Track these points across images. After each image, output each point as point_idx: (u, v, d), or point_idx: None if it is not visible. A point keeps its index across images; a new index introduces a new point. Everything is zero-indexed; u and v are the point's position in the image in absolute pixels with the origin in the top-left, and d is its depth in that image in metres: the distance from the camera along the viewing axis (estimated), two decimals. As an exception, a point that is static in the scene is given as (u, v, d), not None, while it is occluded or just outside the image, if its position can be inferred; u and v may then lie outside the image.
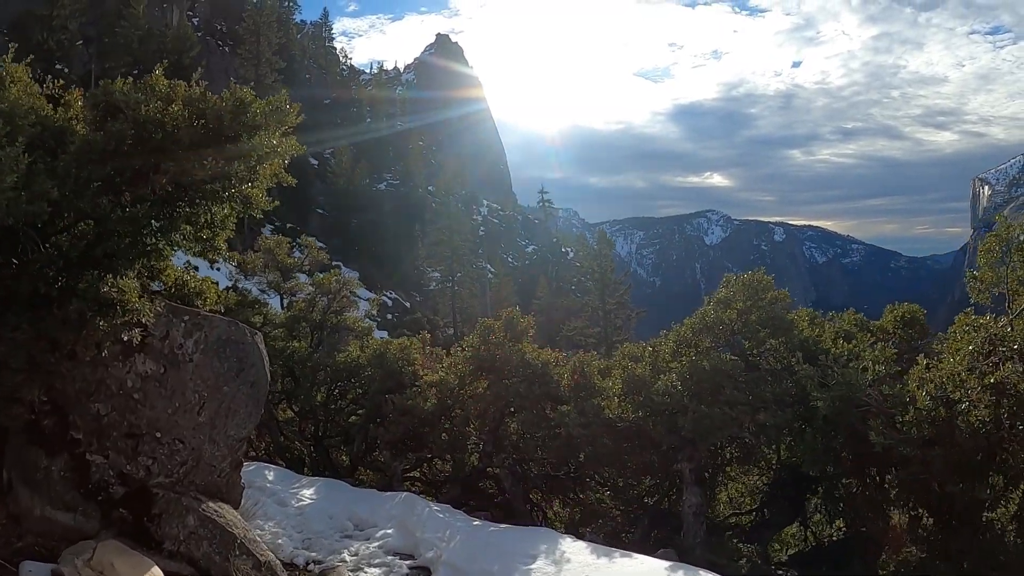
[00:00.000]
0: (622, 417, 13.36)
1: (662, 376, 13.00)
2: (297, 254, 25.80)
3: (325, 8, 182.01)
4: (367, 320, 21.59)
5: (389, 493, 14.49)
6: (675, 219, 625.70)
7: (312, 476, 17.32)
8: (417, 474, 18.80)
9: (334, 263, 56.08)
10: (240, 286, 23.35)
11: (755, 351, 12.95)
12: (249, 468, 17.38)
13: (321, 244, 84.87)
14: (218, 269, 34.69)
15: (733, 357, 12.95)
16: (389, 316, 79.38)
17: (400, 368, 17.64)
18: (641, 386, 13.15)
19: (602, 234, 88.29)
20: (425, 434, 16.77)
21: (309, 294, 21.72)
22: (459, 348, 17.08)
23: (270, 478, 16.75)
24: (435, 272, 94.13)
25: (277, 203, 9.31)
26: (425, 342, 19.63)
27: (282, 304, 25.77)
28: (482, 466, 16.27)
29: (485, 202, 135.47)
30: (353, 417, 19.14)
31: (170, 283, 9.84)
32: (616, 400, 13.73)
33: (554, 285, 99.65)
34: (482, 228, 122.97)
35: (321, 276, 21.30)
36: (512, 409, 15.61)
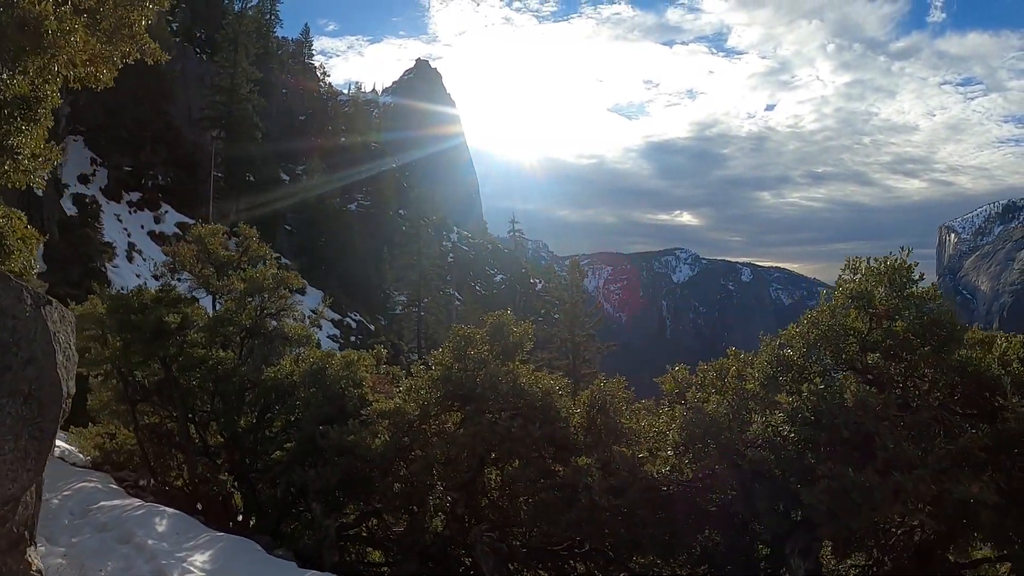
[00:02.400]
0: (675, 479, 8.65)
1: (754, 416, 8.35)
2: (236, 246, 21.32)
3: (306, 24, 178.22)
4: (312, 328, 16.79)
5: (311, 574, 9.71)
6: (644, 256, 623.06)
7: (218, 530, 12.60)
8: (361, 531, 13.96)
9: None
10: (165, 282, 18.66)
11: (908, 376, 8.28)
12: (137, 512, 12.86)
13: (286, 261, 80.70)
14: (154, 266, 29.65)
15: (870, 388, 7.92)
16: (352, 338, 74.51)
17: (343, 390, 13.04)
18: (717, 430, 8.36)
19: (574, 264, 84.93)
20: (372, 479, 12.08)
21: (239, 292, 16.92)
22: (423, 366, 12.34)
23: (160, 529, 12.22)
24: (402, 296, 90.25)
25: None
26: (380, 359, 14.97)
27: (214, 306, 21.06)
28: (450, 533, 11.44)
29: (456, 229, 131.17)
30: (278, 452, 14.33)
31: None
32: (669, 452, 8.98)
33: (521, 315, 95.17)
34: (451, 255, 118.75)
35: (254, 270, 16.59)
36: (496, 455, 10.93)
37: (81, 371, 29.72)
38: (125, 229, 67.96)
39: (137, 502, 13.67)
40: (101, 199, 71.04)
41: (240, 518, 16.86)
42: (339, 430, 11.93)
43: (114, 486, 15.49)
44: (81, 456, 20.51)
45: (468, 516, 11.04)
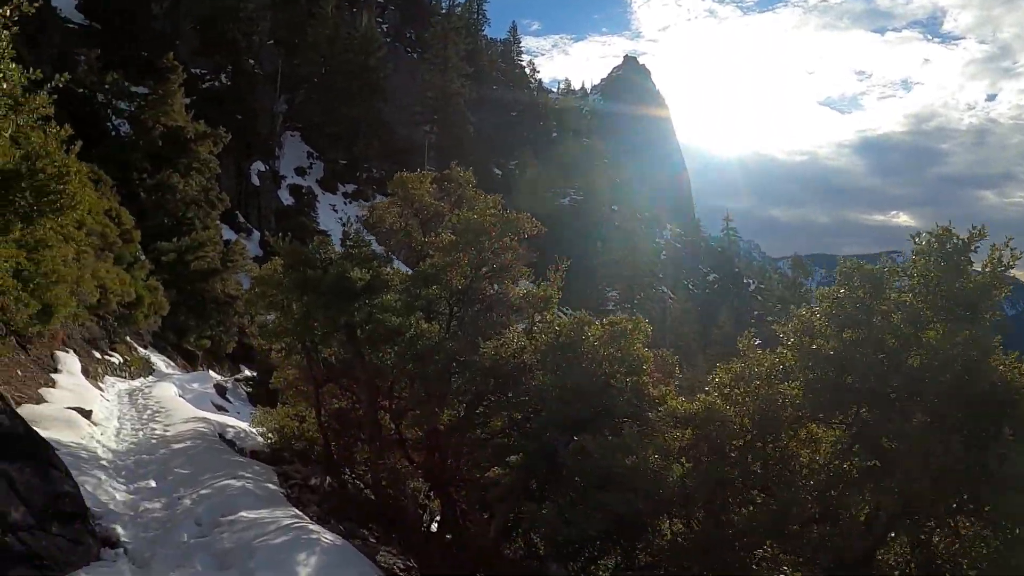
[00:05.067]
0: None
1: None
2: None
3: (513, 22, 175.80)
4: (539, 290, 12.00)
5: None
6: (859, 258, 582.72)
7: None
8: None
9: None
10: (356, 235, 14.50)
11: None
12: (279, 538, 8.55)
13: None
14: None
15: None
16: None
17: (607, 376, 7.95)
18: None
19: (797, 261, 77.60)
20: (646, 523, 6.97)
21: (448, 244, 12.36)
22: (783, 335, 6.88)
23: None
24: (613, 292, 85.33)
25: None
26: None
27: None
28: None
29: (668, 226, 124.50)
30: (496, 470, 9.51)
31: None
32: None
33: (735, 316, 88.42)
34: (664, 252, 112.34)
35: (470, 211, 11.94)
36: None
37: (263, 344, 26.91)
38: (340, 218, 67.48)
39: (289, 517, 9.40)
40: (317, 190, 71.80)
41: (435, 528, 12.46)
42: (604, 443, 6.87)
43: (272, 486, 11.34)
44: (259, 440, 16.90)
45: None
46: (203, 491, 10.19)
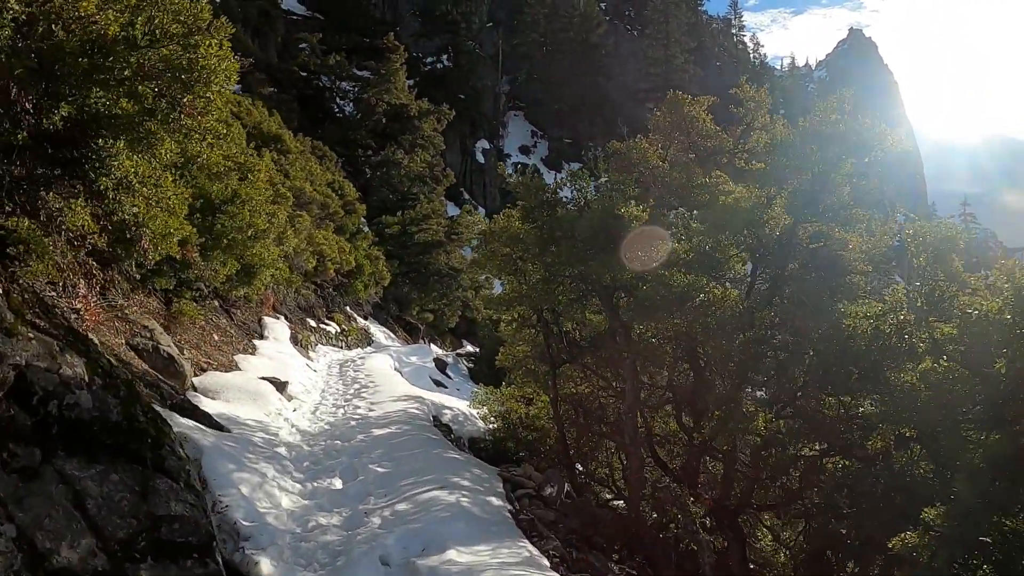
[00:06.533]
0: None
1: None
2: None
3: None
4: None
5: None
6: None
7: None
8: None
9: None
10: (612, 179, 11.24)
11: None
12: None
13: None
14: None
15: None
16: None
17: None
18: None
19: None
20: None
21: (758, 177, 8.69)
22: None
23: None
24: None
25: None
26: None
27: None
28: None
29: (900, 209, 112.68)
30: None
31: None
32: None
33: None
34: (897, 237, 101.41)
35: (790, 128, 8.27)
36: None
37: (490, 313, 24.20)
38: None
39: (520, 562, 6.23)
40: (542, 167, 69.98)
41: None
42: None
43: (495, 500, 8.16)
44: (480, 424, 14.14)
45: None
46: (400, 505, 7.20)
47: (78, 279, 7.59)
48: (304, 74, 49.22)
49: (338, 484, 8.02)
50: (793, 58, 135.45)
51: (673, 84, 79.72)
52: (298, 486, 7.71)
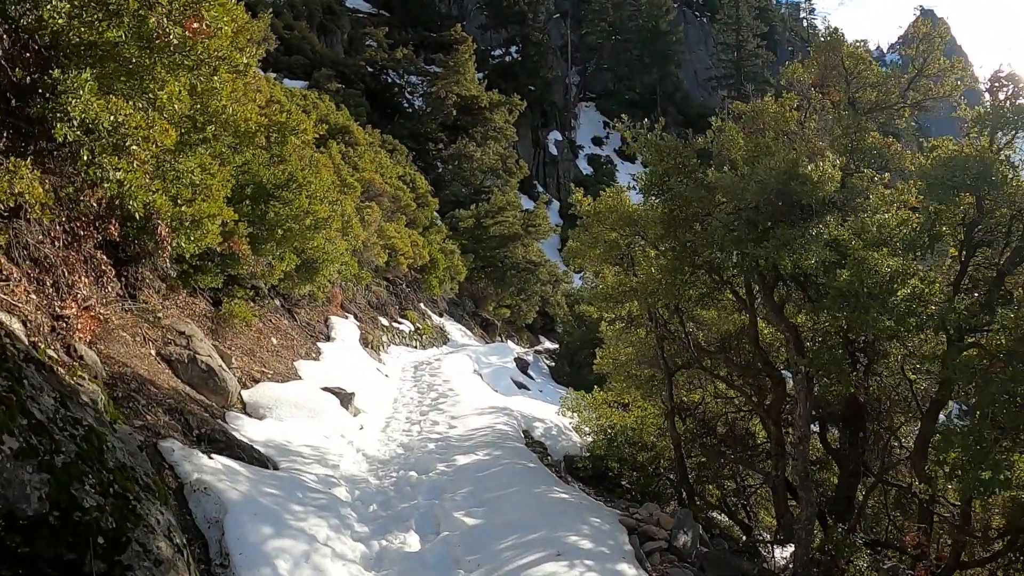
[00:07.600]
0: None
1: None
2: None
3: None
4: None
5: None
6: None
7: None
8: None
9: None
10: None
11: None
12: None
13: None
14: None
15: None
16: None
17: None
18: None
19: None
20: None
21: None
22: None
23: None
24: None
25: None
26: None
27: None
28: None
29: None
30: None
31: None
32: None
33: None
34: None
35: None
36: None
37: (590, 310, 21.97)
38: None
39: None
40: (616, 159, 67.42)
41: None
42: None
43: (630, 571, 5.98)
44: (574, 438, 12.09)
45: None
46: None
47: (76, 277, 5.72)
48: (371, 70, 47.88)
49: (414, 543, 5.98)
50: (865, 42, 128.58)
51: (746, 70, 76.36)
52: (360, 547, 5.69)
